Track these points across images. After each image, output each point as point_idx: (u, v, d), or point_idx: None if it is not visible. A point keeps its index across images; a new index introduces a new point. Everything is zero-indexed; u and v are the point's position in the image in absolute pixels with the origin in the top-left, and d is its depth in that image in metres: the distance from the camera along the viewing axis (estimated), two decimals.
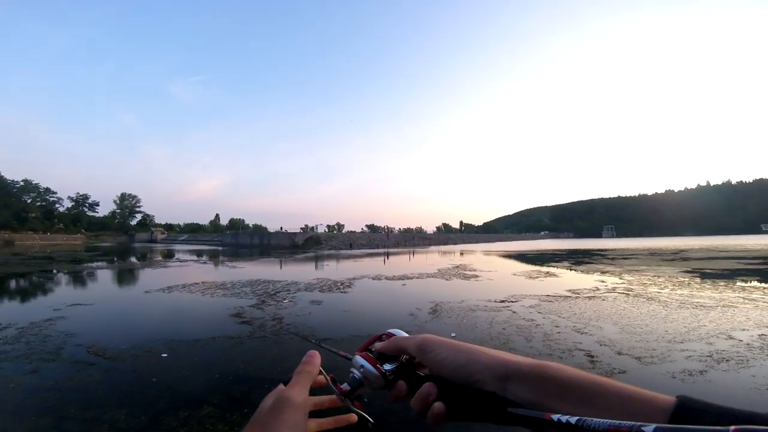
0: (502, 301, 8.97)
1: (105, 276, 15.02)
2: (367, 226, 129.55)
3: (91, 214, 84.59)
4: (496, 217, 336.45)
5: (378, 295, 10.45)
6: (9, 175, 65.57)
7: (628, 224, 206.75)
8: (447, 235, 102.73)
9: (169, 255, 31.12)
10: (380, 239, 63.62)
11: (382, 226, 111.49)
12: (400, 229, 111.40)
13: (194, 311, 8.14)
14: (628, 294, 10.04)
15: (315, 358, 0.54)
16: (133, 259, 25.85)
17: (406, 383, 0.51)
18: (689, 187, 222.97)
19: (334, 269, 18.38)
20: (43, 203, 70.01)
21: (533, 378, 0.42)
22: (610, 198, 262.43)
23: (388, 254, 33.96)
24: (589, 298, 9.51)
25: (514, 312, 7.77)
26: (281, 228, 63.95)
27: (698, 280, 12.91)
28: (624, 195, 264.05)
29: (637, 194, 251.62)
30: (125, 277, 15.13)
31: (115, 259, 25.72)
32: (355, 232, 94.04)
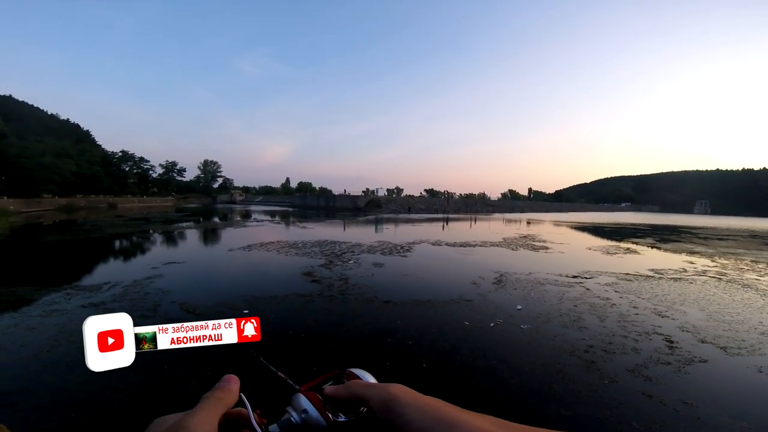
0: (575, 277, 8.50)
1: (193, 235, 16.78)
2: (425, 190, 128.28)
3: (179, 178, 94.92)
4: (571, 185, 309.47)
5: (438, 261, 10.45)
6: (109, 148, 75.42)
7: (725, 200, 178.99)
8: (513, 202, 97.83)
9: (247, 215, 34.02)
10: (439, 204, 62.96)
11: (442, 191, 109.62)
12: (461, 194, 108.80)
13: (270, 269, 8.86)
14: (720, 278, 8.96)
15: (232, 383, 0.41)
16: (217, 219, 28.71)
17: None
18: None
19: (393, 233, 18.76)
20: (139, 170, 79.52)
21: None
22: (706, 171, 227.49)
23: (447, 220, 33.63)
24: (675, 279, 8.63)
25: (587, 289, 7.33)
26: (345, 191, 66.36)
27: None
28: (723, 168, 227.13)
29: (740, 168, 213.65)
30: (211, 236, 16.89)
31: (201, 219, 28.67)
32: (413, 196, 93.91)
